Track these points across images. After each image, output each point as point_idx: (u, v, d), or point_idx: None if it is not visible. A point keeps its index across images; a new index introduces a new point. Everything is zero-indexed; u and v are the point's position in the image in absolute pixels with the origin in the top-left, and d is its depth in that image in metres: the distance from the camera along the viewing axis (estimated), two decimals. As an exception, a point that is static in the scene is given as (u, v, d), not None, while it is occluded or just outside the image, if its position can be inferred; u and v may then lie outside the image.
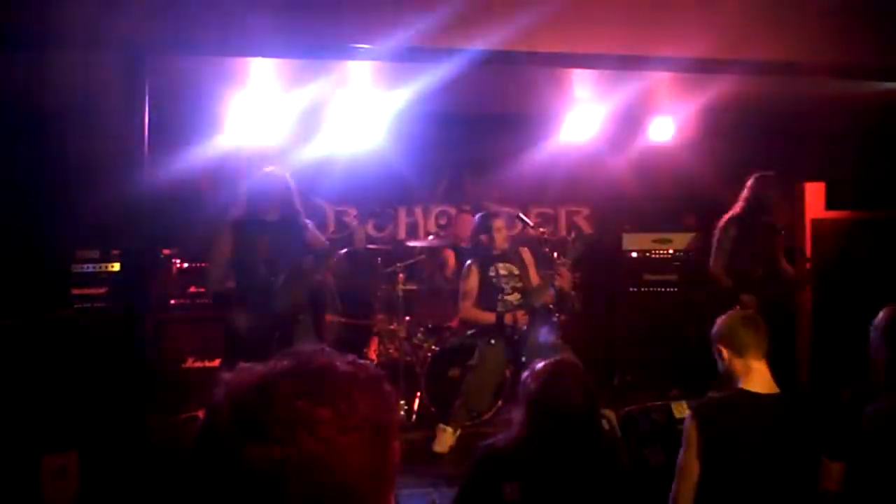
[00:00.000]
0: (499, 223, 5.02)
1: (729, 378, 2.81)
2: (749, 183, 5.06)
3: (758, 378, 2.73)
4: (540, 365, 2.55)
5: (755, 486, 2.62)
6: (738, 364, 2.75)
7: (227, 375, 0.92)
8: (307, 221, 4.57)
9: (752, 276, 5.01)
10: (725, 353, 2.79)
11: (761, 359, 2.74)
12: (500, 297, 4.97)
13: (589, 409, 2.48)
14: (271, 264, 4.35)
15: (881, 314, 2.78)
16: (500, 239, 5.00)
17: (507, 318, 4.85)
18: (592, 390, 2.51)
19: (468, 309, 5.03)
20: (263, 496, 0.83)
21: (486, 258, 5.02)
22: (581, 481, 2.42)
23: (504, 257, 5.04)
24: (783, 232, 5.19)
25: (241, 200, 4.50)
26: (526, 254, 5.16)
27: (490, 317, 4.90)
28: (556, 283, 4.79)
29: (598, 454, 2.50)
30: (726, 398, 2.75)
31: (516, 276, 5.01)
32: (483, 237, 5.02)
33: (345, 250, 4.74)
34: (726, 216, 5.12)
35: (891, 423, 2.54)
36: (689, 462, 2.68)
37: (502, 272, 5.00)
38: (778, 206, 5.05)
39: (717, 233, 5.12)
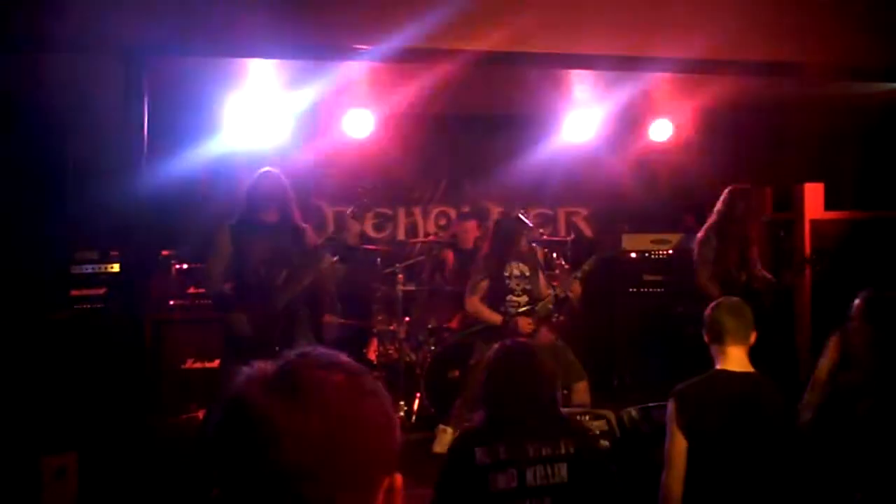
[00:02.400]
0: (525, 233, 4.98)
1: (712, 357, 3.00)
2: (723, 196, 5.24)
3: (732, 360, 2.92)
4: (492, 349, 2.83)
5: (737, 456, 2.76)
6: (715, 349, 2.97)
7: (243, 370, 0.98)
8: (304, 225, 4.54)
9: (739, 283, 5.15)
10: (707, 338, 3.01)
11: (739, 344, 2.92)
12: (508, 297, 4.90)
13: (537, 382, 2.70)
14: (269, 266, 4.34)
15: (857, 302, 2.96)
16: (523, 244, 4.98)
17: (511, 324, 4.80)
18: (539, 364, 2.74)
19: (476, 304, 4.94)
20: (302, 463, 0.89)
21: (505, 258, 4.95)
22: (540, 444, 2.61)
23: (520, 257, 4.97)
24: (755, 241, 5.34)
25: (239, 202, 4.48)
26: (539, 254, 5.11)
27: (496, 317, 4.84)
28: (565, 294, 4.80)
29: (556, 420, 2.71)
30: (701, 379, 2.93)
31: (527, 277, 4.94)
32: (511, 241, 4.93)
33: (336, 258, 4.68)
34: (704, 228, 5.29)
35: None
36: (678, 447, 2.81)
37: (515, 273, 4.92)
38: (750, 217, 5.24)
39: (697, 246, 5.29)
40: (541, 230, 6.55)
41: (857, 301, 2.97)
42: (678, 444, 2.81)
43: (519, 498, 2.58)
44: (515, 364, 2.72)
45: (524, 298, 4.91)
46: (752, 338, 2.97)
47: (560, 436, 2.63)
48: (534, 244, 5.15)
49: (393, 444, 0.98)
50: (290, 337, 4.31)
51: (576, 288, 4.82)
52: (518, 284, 4.92)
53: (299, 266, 4.41)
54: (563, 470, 2.59)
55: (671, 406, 2.86)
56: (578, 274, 4.88)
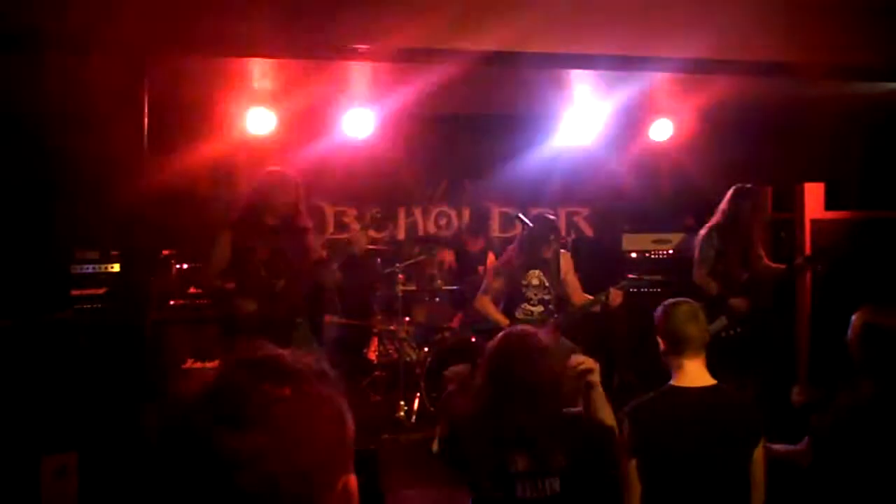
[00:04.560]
0: (553, 240, 4.85)
1: (666, 367, 2.84)
2: (727, 195, 5.23)
3: (689, 373, 2.74)
4: (498, 335, 2.72)
5: (693, 477, 2.63)
6: (672, 360, 2.79)
7: (182, 386, 0.98)
8: (308, 226, 4.49)
9: (739, 281, 5.17)
10: (662, 345, 2.83)
11: (697, 356, 2.75)
12: (523, 305, 4.81)
13: (540, 372, 2.59)
14: (271, 268, 4.31)
15: (855, 321, 2.87)
16: (548, 252, 4.85)
17: None
18: (544, 355, 2.64)
19: (484, 302, 4.86)
20: (245, 480, 0.87)
21: (527, 265, 4.83)
22: (529, 458, 2.53)
23: (543, 265, 4.83)
24: (759, 240, 5.34)
25: (243, 200, 4.43)
26: (566, 260, 4.94)
27: (501, 319, 4.75)
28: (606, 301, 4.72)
29: (551, 429, 2.58)
30: (656, 397, 2.77)
31: (546, 287, 4.82)
32: (537, 248, 4.79)
33: (336, 265, 4.71)
34: (707, 226, 5.29)
35: (859, 415, 2.61)
36: (630, 465, 2.68)
37: (534, 282, 4.81)
38: (755, 217, 5.23)
39: (698, 243, 5.29)
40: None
41: (854, 320, 2.88)
42: (632, 464, 2.68)
43: None
44: (517, 361, 2.58)
45: (539, 308, 4.82)
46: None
47: (553, 448, 2.53)
48: (562, 250, 4.99)
49: (345, 447, 0.96)
50: (288, 340, 4.29)
51: (617, 298, 4.70)
52: (535, 294, 4.83)
53: (300, 272, 4.36)
54: (555, 484, 2.51)
55: (626, 425, 2.72)
56: (620, 286, 4.78)
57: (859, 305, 2.97)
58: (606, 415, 2.81)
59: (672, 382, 2.77)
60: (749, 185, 5.24)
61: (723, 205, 5.24)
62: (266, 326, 4.24)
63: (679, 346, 2.75)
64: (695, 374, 2.74)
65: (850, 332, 2.89)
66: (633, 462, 2.67)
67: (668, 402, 2.73)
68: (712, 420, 2.66)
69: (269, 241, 4.27)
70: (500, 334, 2.73)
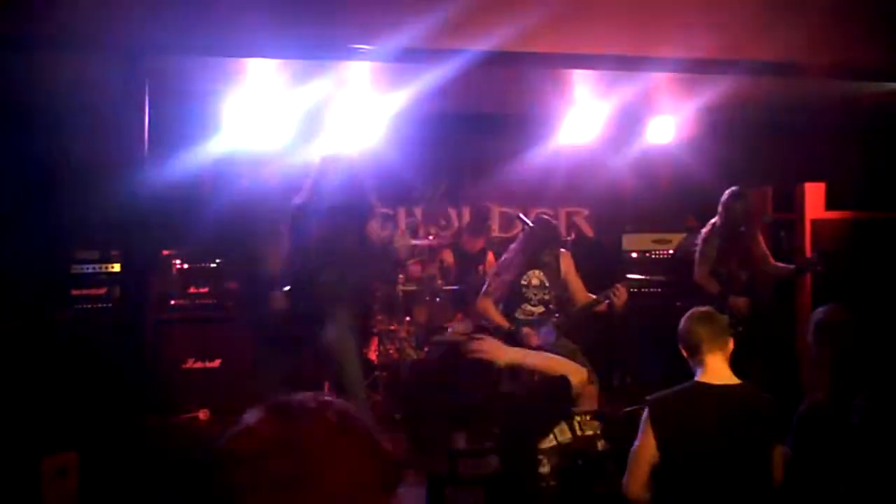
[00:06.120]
0: (552, 242, 4.87)
1: (693, 373, 2.92)
2: (723, 199, 5.27)
3: (712, 370, 2.82)
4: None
5: (711, 473, 2.68)
6: (694, 359, 2.88)
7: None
8: (373, 208, 4.49)
9: (739, 280, 5.22)
10: (684, 352, 2.93)
11: (716, 352, 2.83)
12: (523, 305, 4.81)
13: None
14: (325, 247, 4.29)
15: (814, 322, 2.97)
16: (547, 254, 4.87)
17: (518, 335, 4.71)
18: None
19: (486, 304, 4.85)
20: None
21: (527, 265, 4.85)
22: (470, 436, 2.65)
23: (543, 266, 4.84)
24: (758, 240, 5.38)
25: (306, 187, 4.46)
26: (566, 260, 4.94)
27: (503, 322, 4.75)
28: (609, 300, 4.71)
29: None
30: (679, 391, 2.84)
31: (546, 287, 4.82)
32: (538, 250, 4.82)
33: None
34: (707, 227, 5.35)
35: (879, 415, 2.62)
36: (643, 452, 2.76)
37: (534, 282, 4.81)
38: (748, 217, 5.26)
39: (699, 243, 5.35)
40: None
41: (812, 323, 2.96)
42: (646, 451, 2.74)
43: (453, 483, 2.65)
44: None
45: (539, 309, 4.81)
46: (730, 345, 2.88)
47: (488, 426, 2.63)
48: (562, 250, 4.99)
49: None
50: (322, 327, 4.29)
51: (622, 294, 4.70)
52: (535, 294, 4.82)
53: (356, 258, 4.37)
54: (495, 461, 2.60)
55: (646, 415, 2.79)
56: (627, 283, 4.80)
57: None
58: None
59: (696, 378, 2.85)
60: (739, 189, 5.27)
61: (720, 207, 5.28)
62: (302, 316, 4.25)
63: (695, 347, 2.85)
64: (718, 371, 2.82)
65: (808, 332, 3.00)
66: (650, 445, 2.73)
67: (690, 397, 2.80)
68: (734, 417, 2.73)
69: (326, 220, 4.29)
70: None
